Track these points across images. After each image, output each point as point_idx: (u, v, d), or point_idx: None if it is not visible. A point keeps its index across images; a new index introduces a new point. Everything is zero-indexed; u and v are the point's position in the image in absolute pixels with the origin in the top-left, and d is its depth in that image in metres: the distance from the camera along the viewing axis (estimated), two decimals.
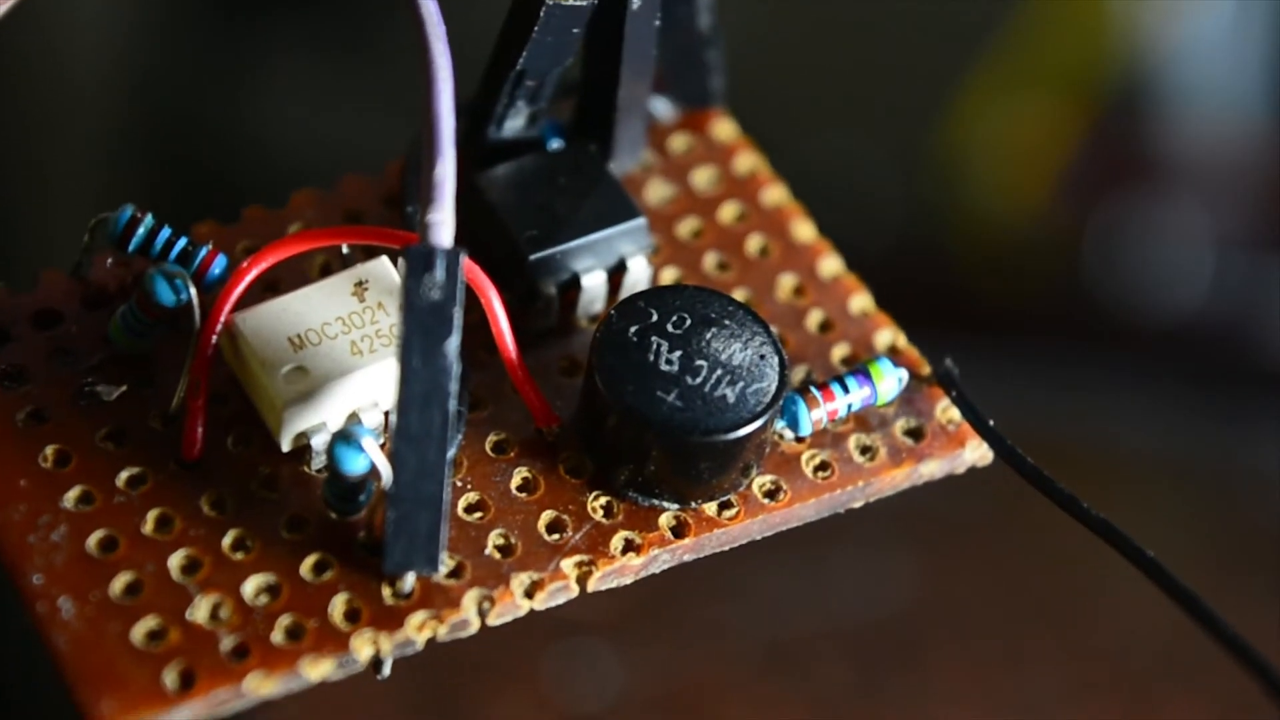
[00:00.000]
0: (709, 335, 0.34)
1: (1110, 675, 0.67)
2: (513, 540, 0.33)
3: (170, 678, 0.31)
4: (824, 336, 0.37)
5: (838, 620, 0.67)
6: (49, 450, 0.33)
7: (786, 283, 0.37)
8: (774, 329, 0.35)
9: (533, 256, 0.35)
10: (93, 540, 0.33)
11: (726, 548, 0.34)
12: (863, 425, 0.35)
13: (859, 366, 0.35)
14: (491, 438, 0.34)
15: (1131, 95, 0.76)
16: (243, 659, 0.32)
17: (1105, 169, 0.75)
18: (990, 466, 0.36)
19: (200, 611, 0.32)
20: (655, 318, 0.34)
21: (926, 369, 0.36)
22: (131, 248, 0.34)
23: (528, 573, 0.33)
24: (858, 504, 0.35)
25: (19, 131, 0.74)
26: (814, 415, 0.35)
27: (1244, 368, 0.73)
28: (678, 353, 0.34)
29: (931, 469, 0.35)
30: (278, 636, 0.32)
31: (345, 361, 0.33)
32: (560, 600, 0.33)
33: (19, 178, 0.74)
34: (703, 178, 0.38)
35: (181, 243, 0.34)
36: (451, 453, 0.33)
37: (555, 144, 0.37)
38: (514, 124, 0.36)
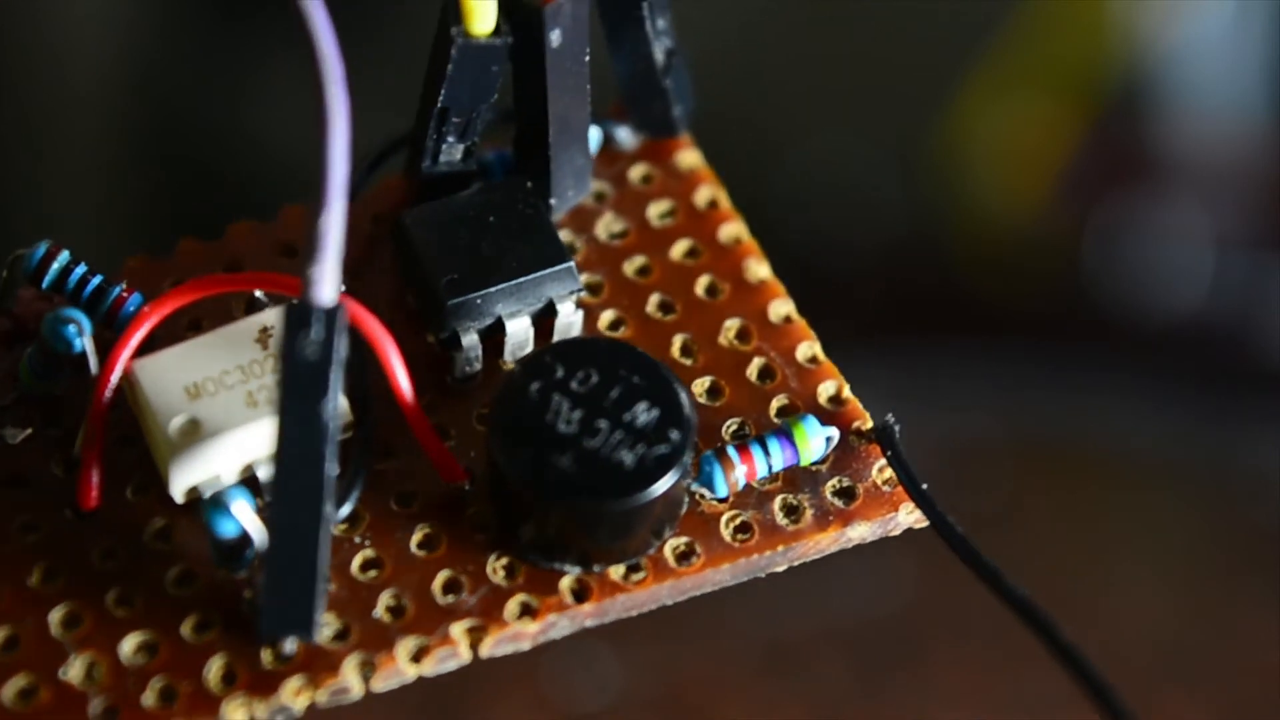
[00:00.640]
0: (614, 394, 0.32)
1: (1110, 676, 0.66)
2: (404, 602, 0.32)
3: None
4: (764, 386, 0.34)
5: (837, 620, 0.66)
6: None
7: (732, 327, 0.35)
8: (695, 385, 0.33)
9: (451, 301, 0.33)
10: None
11: (634, 613, 0.33)
12: (791, 484, 0.33)
13: (783, 426, 0.33)
14: (398, 490, 0.33)
15: (1131, 95, 0.76)
16: None
17: (1105, 169, 0.75)
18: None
19: (74, 670, 0.31)
20: (561, 373, 0.32)
21: (868, 423, 0.34)
22: (45, 284, 0.33)
23: (414, 637, 0.32)
24: (779, 568, 0.33)
25: (19, 131, 0.74)
26: (732, 477, 0.33)
27: (1244, 368, 0.73)
28: (578, 412, 0.32)
29: (861, 532, 0.33)
30: (149, 699, 0.31)
31: (238, 414, 0.32)
32: (450, 666, 0.32)
33: (19, 177, 0.74)
34: (657, 210, 0.36)
35: (96, 281, 0.33)
36: (346, 509, 0.32)
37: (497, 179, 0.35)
38: (449, 159, 0.35)
